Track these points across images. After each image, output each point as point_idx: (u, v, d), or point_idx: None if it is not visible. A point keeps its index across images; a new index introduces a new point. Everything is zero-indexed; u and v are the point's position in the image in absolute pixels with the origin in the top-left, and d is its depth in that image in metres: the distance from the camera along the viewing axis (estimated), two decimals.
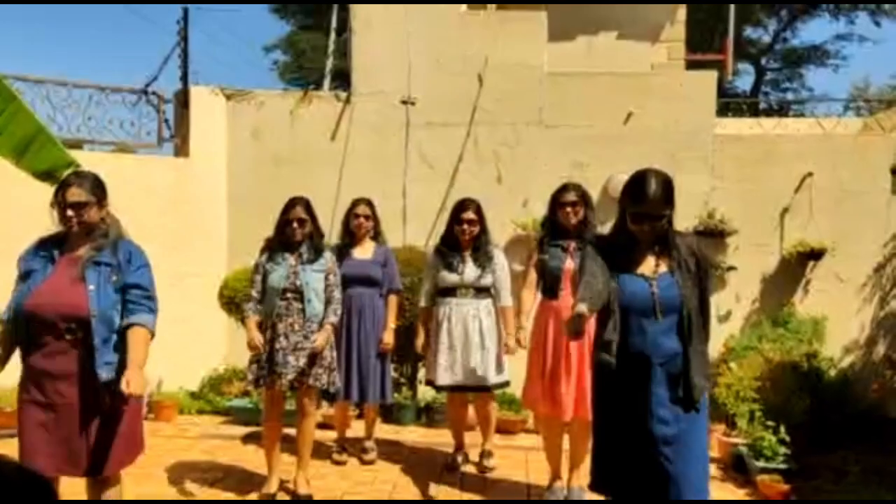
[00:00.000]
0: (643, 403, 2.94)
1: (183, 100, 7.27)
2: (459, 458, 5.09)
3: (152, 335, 3.20)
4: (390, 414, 6.29)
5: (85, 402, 3.09)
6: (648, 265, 3.04)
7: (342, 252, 5.12)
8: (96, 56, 38.79)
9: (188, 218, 7.05)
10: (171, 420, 6.25)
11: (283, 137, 7.38)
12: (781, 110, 16.64)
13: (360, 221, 5.18)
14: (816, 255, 6.87)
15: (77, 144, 6.52)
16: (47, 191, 3.32)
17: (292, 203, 4.48)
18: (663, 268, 3.02)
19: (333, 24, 9.13)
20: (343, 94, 7.51)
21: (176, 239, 6.82)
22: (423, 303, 5.06)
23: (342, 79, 9.15)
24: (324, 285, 4.47)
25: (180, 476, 4.85)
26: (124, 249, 3.25)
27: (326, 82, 9.07)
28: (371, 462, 5.16)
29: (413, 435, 5.99)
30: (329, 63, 9.12)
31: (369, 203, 5.26)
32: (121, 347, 3.13)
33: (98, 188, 3.24)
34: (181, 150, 7.28)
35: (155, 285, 3.30)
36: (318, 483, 4.68)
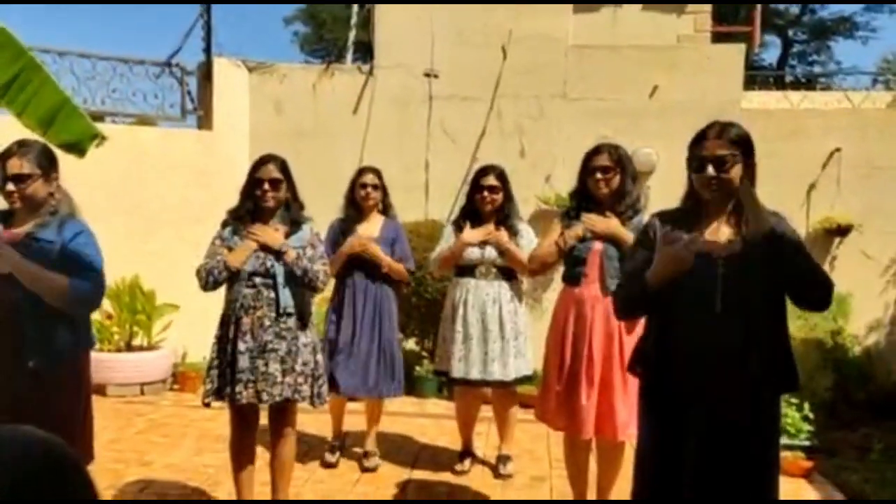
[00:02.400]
0: (697, 420, 2.37)
1: (206, 72, 7.27)
2: (467, 464, 4.59)
3: (70, 299, 2.77)
4: (413, 387, 6.34)
5: (12, 394, 2.74)
6: (717, 236, 2.42)
7: (345, 228, 4.57)
8: (118, 27, 38.84)
9: (212, 190, 7.07)
10: (196, 390, 6.31)
11: (305, 110, 7.37)
12: (809, 83, 16.35)
13: (367, 192, 4.53)
14: (843, 231, 6.79)
15: (98, 117, 6.55)
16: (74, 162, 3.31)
17: (263, 161, 3.57)
18: (737, 243, 2.38)
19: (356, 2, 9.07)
20: (365, 67, 7.47)
21: (199, 211, 6.85)
22: (434, 268, 4.58)
23: (364, 50, 9.10)
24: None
25: (206, 445, 4.93)
26: (71, 228, 2.87)
27: (349, 55, 9.02)
28: (373, 469, 4.55)
29: (436, 408, 6.04)
30: (351, 35, 9.06)
31: (377, 172, 4.65)
32: (58, 335, 2.82)
33: (45, 159, 2.91)
34: (204, 122, 7.30)
35: (102, 267, 2.90)
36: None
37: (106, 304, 6.21)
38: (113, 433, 5.15)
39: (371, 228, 4.59)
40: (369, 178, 4.58)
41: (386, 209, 4.70)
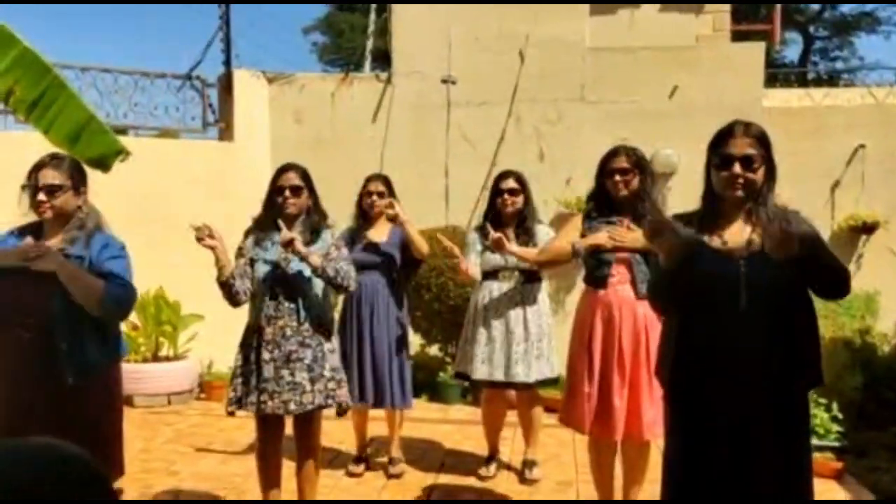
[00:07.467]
0: (725, 421, 2.35)
1: (226, 84, 7.34)
2: (492, 469, 4.60)
3: (106, 302, 2.82)
4: (436, 393, 6.36)
5: (44, 407, 2.78)
6: (737, 236, 2.39)
7: (354, 236, 4.55)
8: (139, 41, 39.32)
9: (234, 201, 7.13)
10: (222, 400, 6.37)
11: (324, 119, 7.42)
12: (831, 80, 16.19)
13: (372, 200, 4.54)
14: (869, 228, 6.72)
15: (122, 131, 6.63)
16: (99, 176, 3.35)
17: (283, 169, 3.59)
18: (757, 241, 2.35)
19: (373, 3, 9.13)
20: (383, 75, 7.51)
21: (222, 222, 6.79)
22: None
23: (382, 59, 9.14)
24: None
25: (233, 454, 4.97)
26: (99, 241, 2.94)
27: (367, 63, 9.06)
28: (398, 476, 4.57)
29: (460, 414, 6.04)
30: (369, 44, 9.11)
31: (385, 179, 4.67)
32: (91, 347, 2.88)
33: (76, 172, 2.99)
34: (225, 134, 7.36)
35: (132, 275, 2.99)
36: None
37: (132, 315, 6.28)
38: (141, 443, 5.20)
39: (379, 234, 4.59)
40: (374, 186, 4.60)
41: (395, 216, 4.55)
